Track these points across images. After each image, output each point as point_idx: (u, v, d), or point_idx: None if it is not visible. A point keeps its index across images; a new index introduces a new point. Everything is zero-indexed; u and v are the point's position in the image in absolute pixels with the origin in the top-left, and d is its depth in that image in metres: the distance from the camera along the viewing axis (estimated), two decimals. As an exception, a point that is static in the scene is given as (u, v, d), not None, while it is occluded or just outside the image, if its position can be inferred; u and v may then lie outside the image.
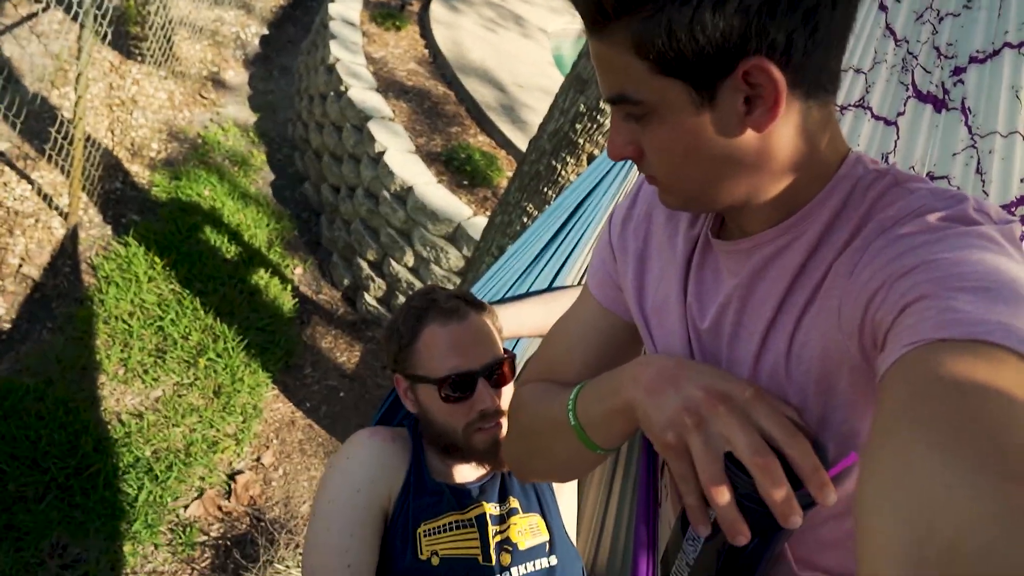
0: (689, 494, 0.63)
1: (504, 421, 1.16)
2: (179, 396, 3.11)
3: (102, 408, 2.96)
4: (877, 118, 1.07)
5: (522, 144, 4.17)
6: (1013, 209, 1.01)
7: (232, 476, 2.92)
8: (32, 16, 4.43)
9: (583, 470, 0.87)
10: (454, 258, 3.64)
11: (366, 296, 3.96)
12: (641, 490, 0.90)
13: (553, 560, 1.17)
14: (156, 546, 2.60)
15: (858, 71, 1.08)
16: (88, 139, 3.78)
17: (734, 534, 0.59)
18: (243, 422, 3.12)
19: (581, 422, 0.76)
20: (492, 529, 1.15)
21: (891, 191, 0.65)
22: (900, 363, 0.51)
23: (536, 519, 1.20)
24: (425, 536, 1.13)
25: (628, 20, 0.59)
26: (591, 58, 0.65)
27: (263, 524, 2.78)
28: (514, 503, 1.19)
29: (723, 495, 0.59)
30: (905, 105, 1.04)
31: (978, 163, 0.98)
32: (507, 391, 1.18)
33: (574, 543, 1.26)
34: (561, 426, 0.79)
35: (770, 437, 0.60)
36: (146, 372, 3.14)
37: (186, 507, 2.75)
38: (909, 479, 0.43)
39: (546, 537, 1.19)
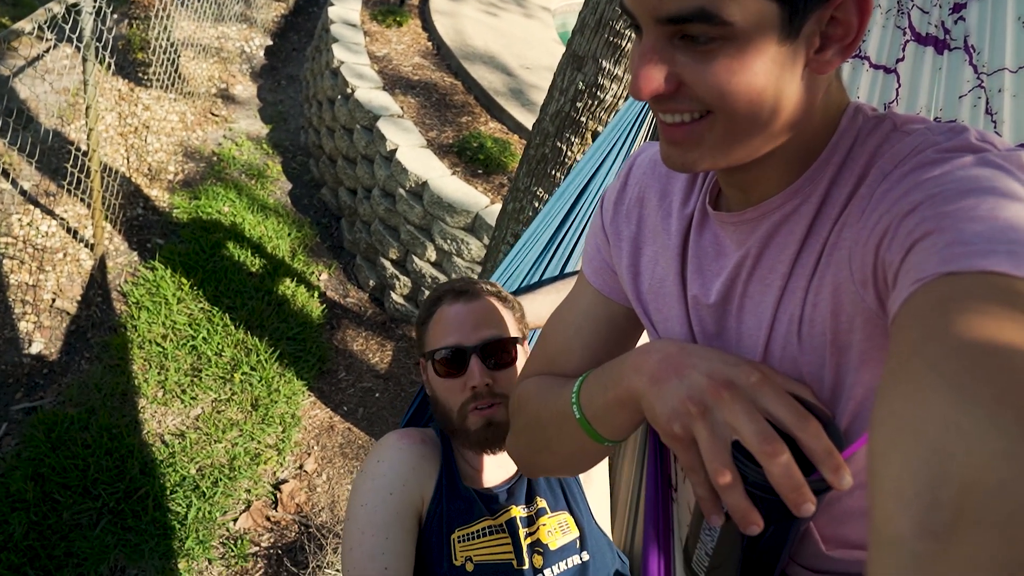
0: (699, 485, 0.62)
1: (501, 405, 1.16)
2: (218, 412, 3.15)
3: (145, 431, 3.01)
4: (876, 67, 1.02)
5: (533, 127, 4.13)
6: (1030, 147, 0.96)
7: (277, 486, 2.96)
8: (39, 57, 4.51)
9: (591, 462, 0.85)
10: (475, 248, 3.62)
11: (393, 295, 3.97)
12: (649, 481, 0.87)
13: (585, 556, 1.16)
14: (210, 561, 2.65)
15: (851, 19, 1.03)
16: (105, 169, 3.83)
17: (746, 524, 0.57)
18: (283, 432, 3.16)
19: (586, 414, 0.75)
20: (522, 532, 1.14)
21: (890, 136, 0.63)
22: (909, 302, 0.49)
23: (565, 516, 1.18)
24: (459, 542, 1.12)
25: None
26: None
27: (311, 530, 2.82)
28: (541, 503, 1.18)
29: (731, 486, 0.57)
30: (904, 50, 0.99)
31: (987, 103, 0.93)
32: (507, 374, 1.17)
33: (607, 532, 1.25)
34: (566, 419, 0.77)
35: (779, 421, 0.58)
36: (184, 392, 3.19)
37: (235, 520, 2.80)
38: (921, 422, 0.41)
39: (576, 534, 1.17)
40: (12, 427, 2.95)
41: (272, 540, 2.78)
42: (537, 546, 1.13)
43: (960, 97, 0.95)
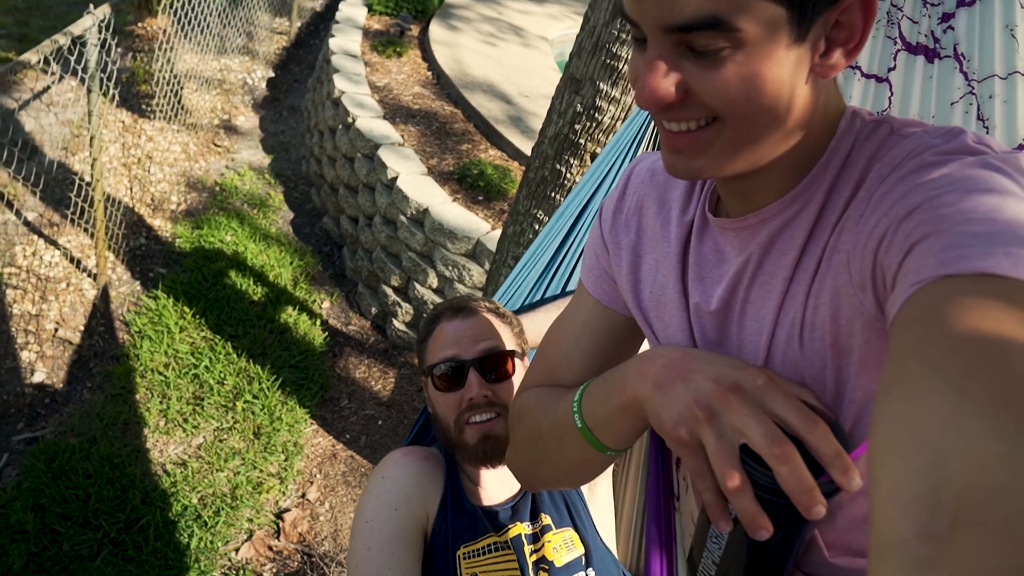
0: (706, 490, 0.61)
1: (500, 418, 1.16)
2: (220, 441, 3.14)
3: (147, 460, 3.00)
4: (867, 76, 1.03)
5: (532, 153, 4.15)
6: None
7: (279, 515, 2.94)
8: (45, 90, 4.57)
9: (592, 473, 0.84)
10: (477, 274, 3.63)
11: (395, 322, 3.97)
12: (651, 486, 0.87)
13: (591, 572, 1.15)
14: (211, 592, 2.62)
15: (842, 31, 1.04)
16: (109, 199, 3.86)
17: (755, 529, 0.57)
18: (285, 460, 3.14)
19: (588, 423, 0.74)
20: (528, 549, 1.14)
21: (888, 140, 0.63)
22: (907, 305, 0.49)
23: (570, 533, 1.18)
24: (465, 559, 1.11)
25: None
26: None
27: (314, 559, 2.79)
28: (546, 520, 1.17)
29: (741, 490, 0.56)
30: (895, 59, 1.00)
31: (978, 109, 0.94)
32: (505, 387, 1.17)
33: (612, 549, 1.24)
34: (567, 429, 0.77)
35: (786, 424, 0.58)
36: (186, 421, 3.18)
37: (237, 550, 2.77)
38: (920, 424, 0.41)
39: (581, 551, 1.16)
40: (13, 457, 2.93)
41: (275, 570, 2.74)
42: (542, 563, 1.12)
43: (952, 104, 0.96)
